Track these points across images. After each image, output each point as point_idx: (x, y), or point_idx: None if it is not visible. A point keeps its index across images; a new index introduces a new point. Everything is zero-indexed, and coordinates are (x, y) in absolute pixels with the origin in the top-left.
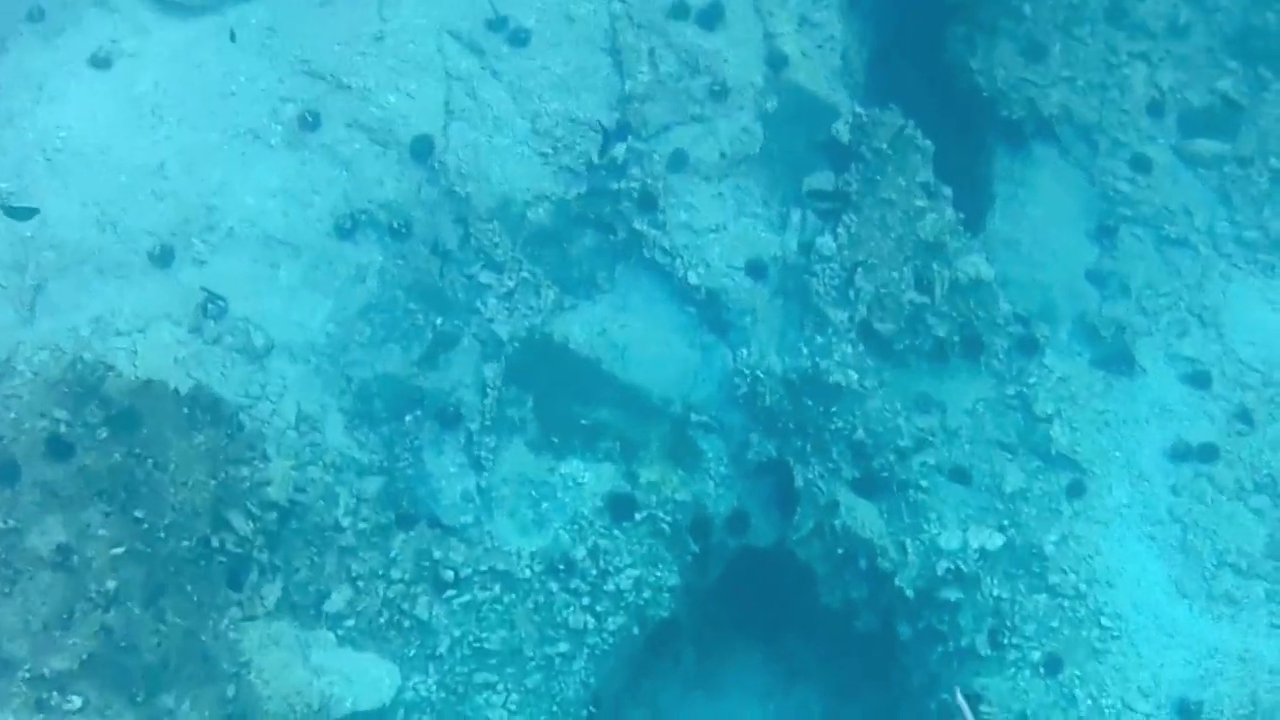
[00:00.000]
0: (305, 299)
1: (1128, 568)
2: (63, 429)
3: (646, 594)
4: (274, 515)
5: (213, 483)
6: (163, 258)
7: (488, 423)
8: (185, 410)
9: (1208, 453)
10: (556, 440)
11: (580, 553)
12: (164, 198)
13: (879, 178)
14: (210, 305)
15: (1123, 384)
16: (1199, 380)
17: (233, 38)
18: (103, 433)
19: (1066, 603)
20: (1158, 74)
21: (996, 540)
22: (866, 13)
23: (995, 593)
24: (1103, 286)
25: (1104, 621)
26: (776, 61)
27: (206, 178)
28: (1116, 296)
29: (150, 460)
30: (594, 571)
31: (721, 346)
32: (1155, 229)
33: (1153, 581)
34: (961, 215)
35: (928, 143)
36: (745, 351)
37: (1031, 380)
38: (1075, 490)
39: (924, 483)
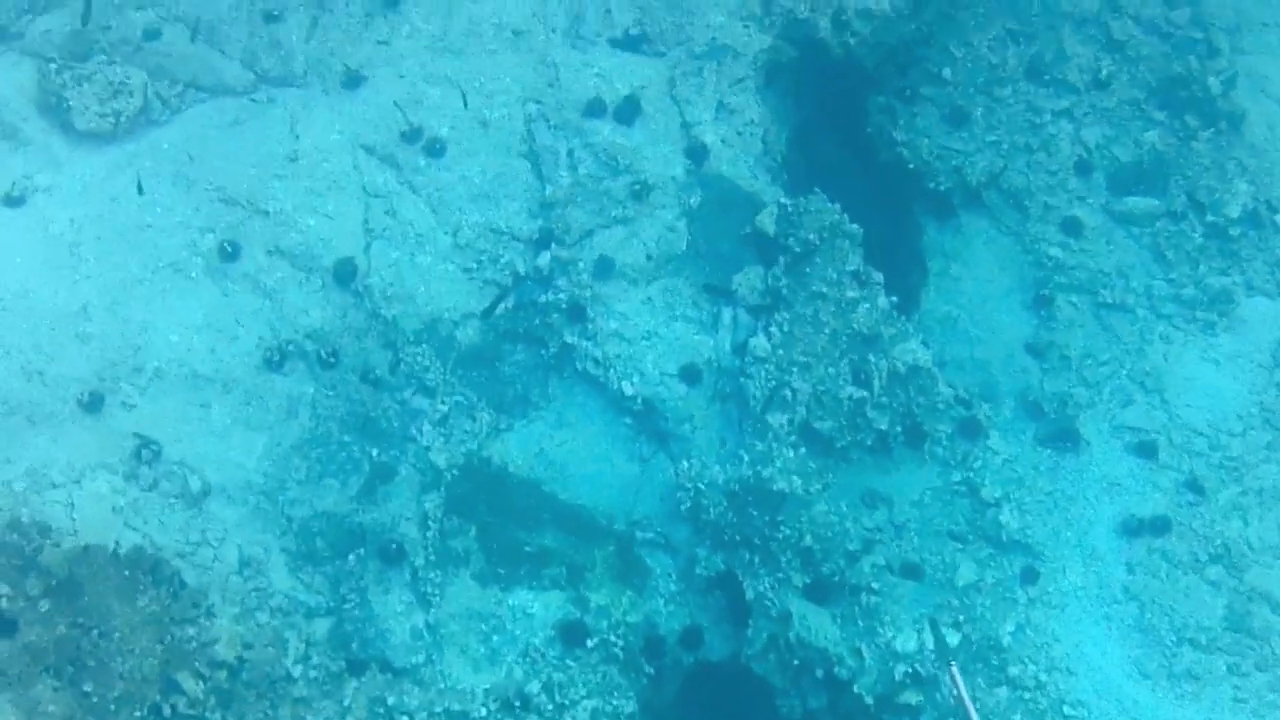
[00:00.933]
0: (239, 437)
1: (1087, 652)
2: (4, 603)
3: None
4: (224, 673)
5: (159, 647)
6: (92, 404)
7: (431, 557)
8: (126, 573)
9: (1159, 526)
10: (503, 571)
11: (534, 687)
12: (89, 341)
13: (808, 270)
14: (144, 450)
15: (1069, 460)
16: (1145, 451)
17: (140, 190)
18: (44, 605)
19: (1028, 694)
20: (1083, 130)
21: (953, 638)
22: (784, 90)
23: (955, 691)
24: (1042, 359)
25: (1066, 711)
26: (697, 153)
27: (130, 317)
28: (1057, 369)
29: (95, 630)
30: (550, 706)
31: (661, 456)
32: (1091, 294)
33: (1113, 664)
34: (894, 299)
35: (855, 227)
36: (686, 464)
37: (977, 464)
38: (1028, 576)
39: (875, 585)
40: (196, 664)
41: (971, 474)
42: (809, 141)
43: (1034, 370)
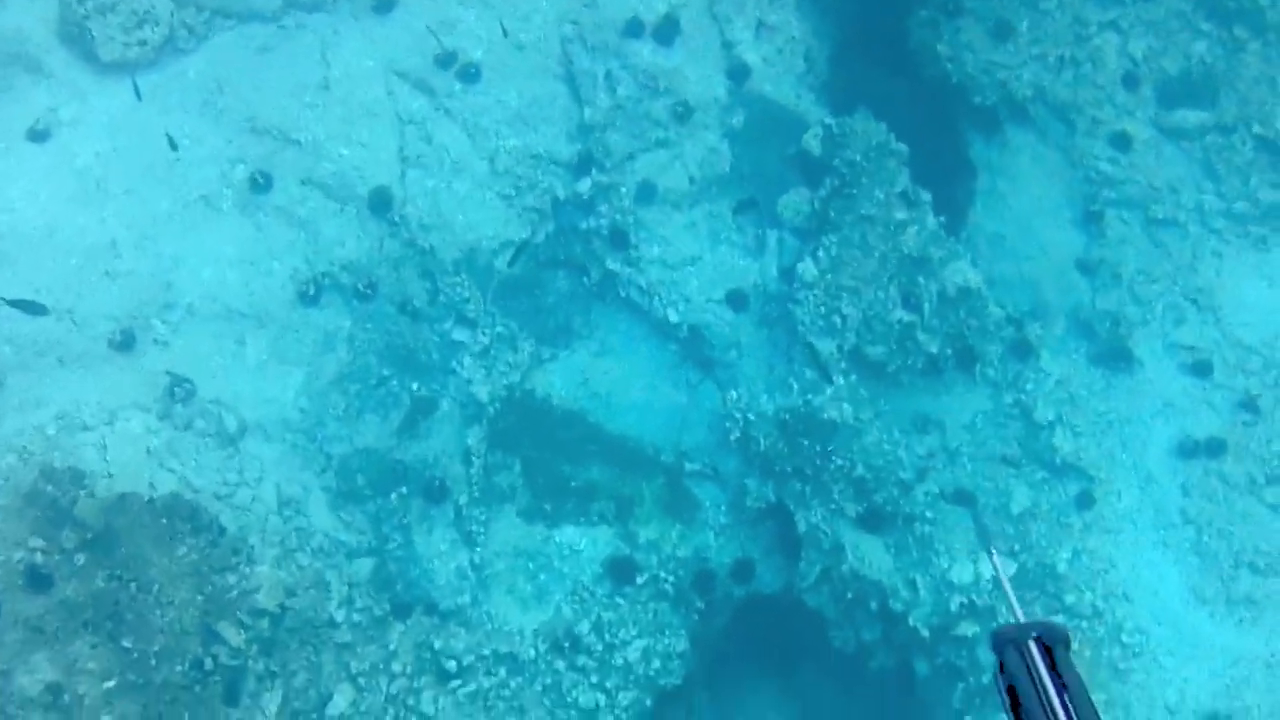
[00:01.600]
0: (274, 373)
1: (1143, 578)
2: (39, 559)
3: (656, 664)
4: (266, 621)
5: (200, 598)
6: (124, 343)
7: (476, 494)
8: (163, 521)
9: (1215, 447)
10: (549, 507)
11: (584, 627)
12: (118, 278)
13: (855, 192)
14: (177, 389)
15: (1122, 381)
16: (1200, 370)
17: (172, 145)
18: (80, 559)
19: (1085, 623)
20: (1130, 43)
21: (1009, 568)
22: (825, 6)
23: (1011, 621)
24: (1093, 277)
25: (1124, 639)
26: (738, 72)
27: (160, 252)
28: (1108, 286)
29: (133, 583)
30: (600, 646)
31: (708, 384)
32: (1142, 210)
33: (1170, 590)
34: (942, 219)
35: (902, 146)
36: (734, 393)
37: (1029, 386)
38: (1084, 501)
39: (929, 514)
40: (238, 613)
41: (1024, 396)
42: (851, 58)
43: (1085, 288)
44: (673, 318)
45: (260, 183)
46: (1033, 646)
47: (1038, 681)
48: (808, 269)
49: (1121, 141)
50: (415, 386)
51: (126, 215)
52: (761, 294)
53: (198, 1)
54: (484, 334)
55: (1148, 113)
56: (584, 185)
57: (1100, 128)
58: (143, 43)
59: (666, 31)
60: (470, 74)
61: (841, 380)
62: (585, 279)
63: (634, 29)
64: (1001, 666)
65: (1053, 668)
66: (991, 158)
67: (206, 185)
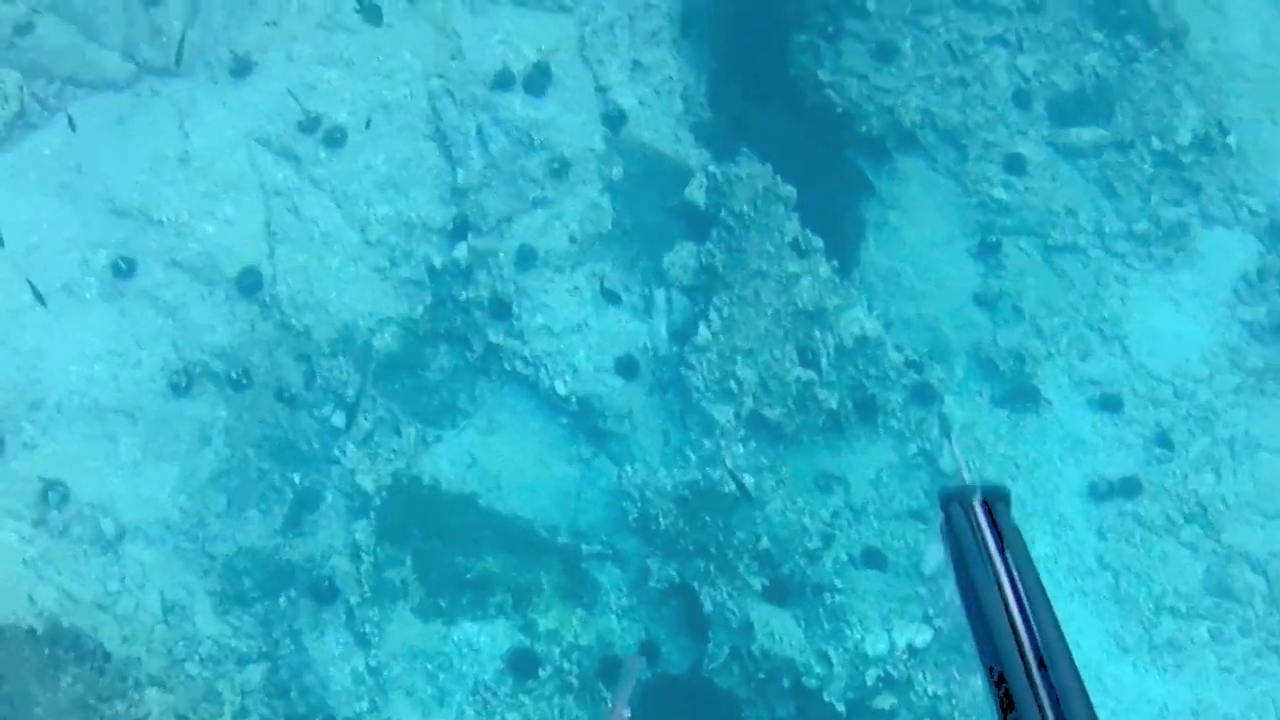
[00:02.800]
0: (150, 471)
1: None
2: None
3: None
4: None
5: None
6: None
7: (367, 593)
8: (45, 652)
9: (1129, 487)
10: (444, 603)
11: None
12: None
13: (744, 246)
14: (50, 493)
15: (1029, 421)
16: (1109, 404)
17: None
18: None
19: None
20: (1019, 58)
21: (925, 635)
22: (700, 37)
23: (930, 690)
24: (994, 311)
25: None
26: (614, 119)
27: (22, 348)
28: (1010, 321)
29: None
30: None
31: (602, 457)
32: (1040, 237)
33: (1090, 641)
34: (835, 263)
35: (789, 189)
36: (630, 469)
37: (934, 433)
38: None
39: (839, 582)
40: None
41: (928, 444)
42: (731, 91)
43: (985, 324)
44: (560, 390)
45: (123, 268)
46: (975, 503)
47: (978, 533)
48: (700, 333)
49: (1016, 164)
50: (297, 479)
51: None
52: (652, 358)
53: (48, 71)
54: (365, 418)
55: (1041, 132)
56: (460, 252)
57: (993, 150)
58: None
59: (538, 81)
60: (336, 138)
61: (740, 448)
62: (468, 353)
63: (504, 80)
64: (947, 521)
65: (993, 523)
66: (881, 188)
67: (68, 273)
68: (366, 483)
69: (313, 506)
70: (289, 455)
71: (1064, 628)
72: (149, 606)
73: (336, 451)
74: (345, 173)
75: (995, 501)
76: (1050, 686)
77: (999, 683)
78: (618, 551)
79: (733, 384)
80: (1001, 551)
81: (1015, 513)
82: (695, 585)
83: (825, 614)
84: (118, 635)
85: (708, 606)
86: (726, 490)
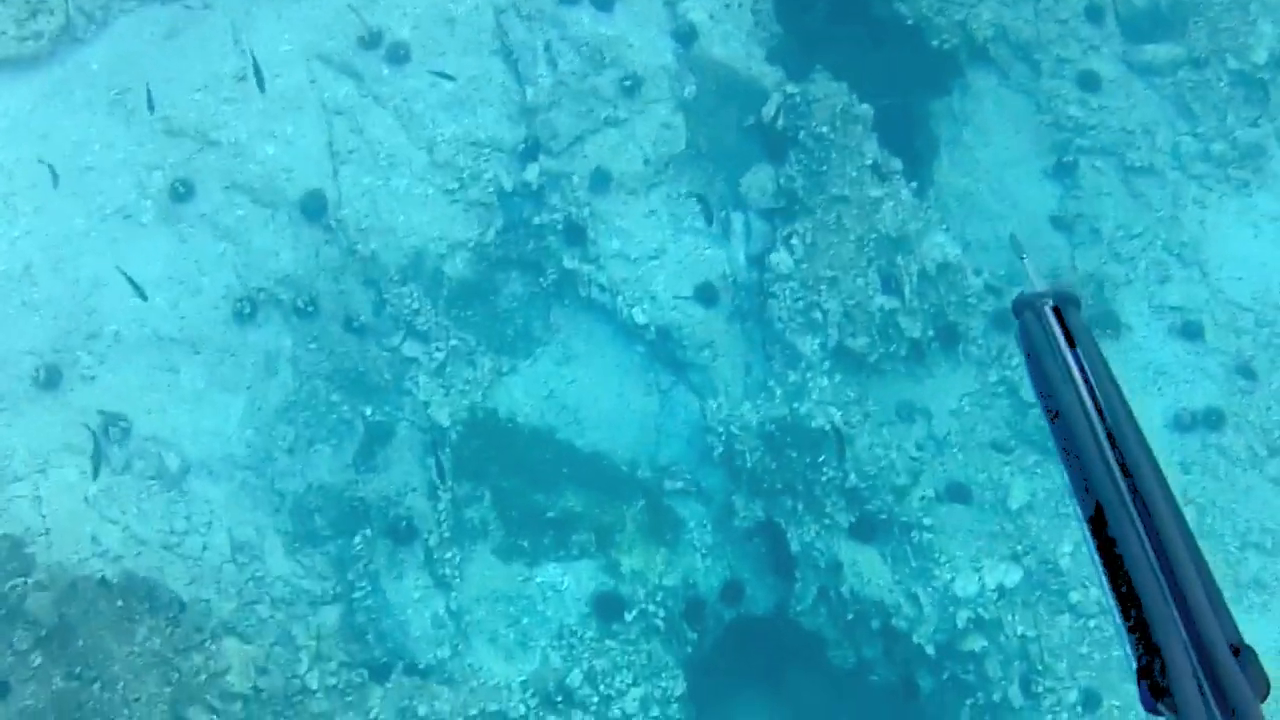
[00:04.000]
0: (214, 402)
1: None
2: None
3: (655, 711)
4: (239, 705)
5: (167, 689)
6: (49, 380)
7: (446, 534)
8: (119, 604)
9: (1213, 419)
10: (525, 543)
11: (576, 678)
12: (37, 308)
13: (824, 169)
14: (111, 428)
15: (1109, 348)
16: (1190, 332)
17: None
18: (36, 659)
19: (1091, 622)
20: None
21: (1014, 575)
22: None
23: (1020, 631)
24: (1071, 233)
25: None
26: (685, 35)
27: (79, 275)
28: (1087, 244)
29: (96, 682)
30: (595, 699)
31: (681, 387)
32: (1117, 157)
33: None
34: (914, 184)
35: (866, 108)
36: (714, 403)
37: (1014, 361)
38: None
39: (927, 520)
40: (208, 697)
41: (1009, 372)
42: (800, 5)
43: (1063, 246)
44: (639, 319)
45: (181, 191)
46: (1047, 308)
47: (1050, 335)
48: (782, 260)
49: (1090, 81)
50: (368, 411)
51: (39, 235)
52: (731, 284)
53: None
54: (438, 348)
55: (1115, 48)
56: (532, 173)
57: (1066, 67)
58: (38, 35)
59: None
60: (399, 54)
61: (826, 381)
62: (542, 279)
63: None
64: (1022, 328)
65: (1063, 325)
66: (954, 104)
67: (123, 197)
68: (441, 416)
69: (385, 440)
70: (359, 387)
71: (1137, 417)
72: (217, 546)
73: (409, 383)
74: (409, 90)
75: (1066, 304)
76: (1126, 473)
77: (1079, 479)
78: (701, 487)
79: (817, 314)
80: (1073, 349)
81: None
82: (782, 524)
83: (913, 552)
84: (185, 576)
85: (795, 546)
86: (814, 425)
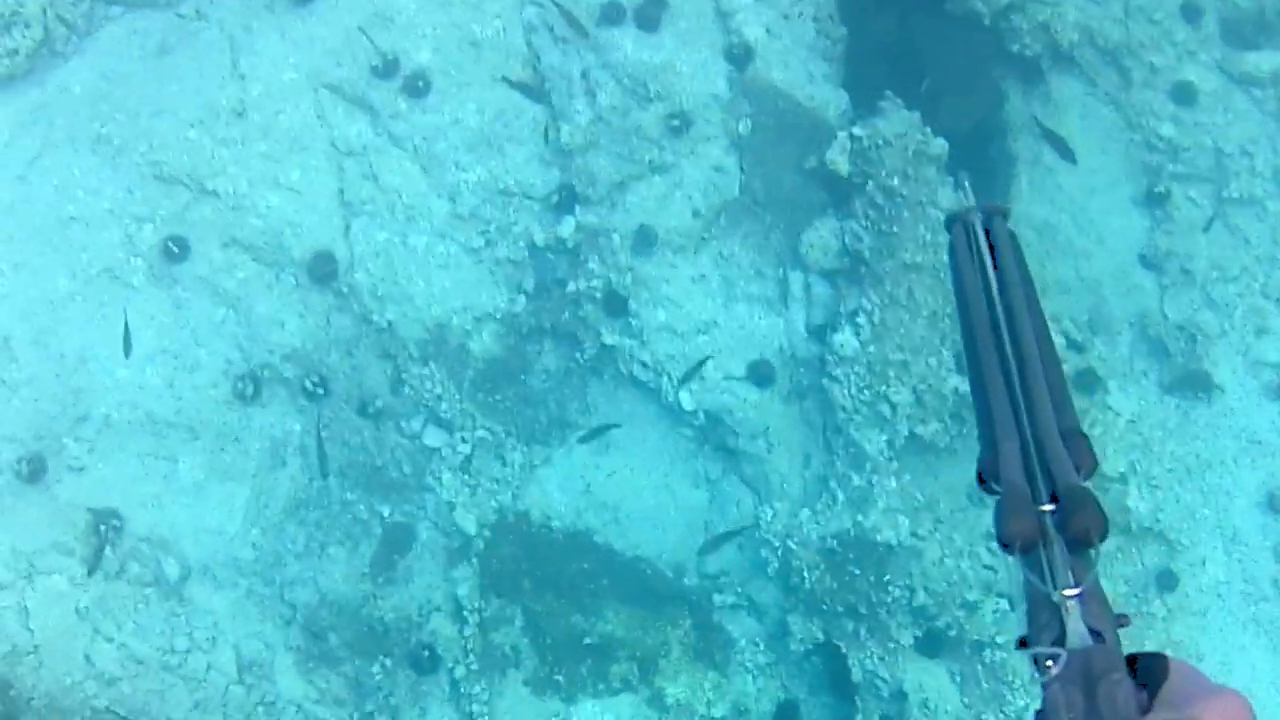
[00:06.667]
0: (215, 497)
1: (1235, 667)
2: None
3: None
4: None
5: None
6: (32, 472)
7: (473, 665)
8: None
9: None
10: (561, 676)
11: None
12: (17, 387)
13: (895, 229)
14: (103, 526)
15: (1200, 412)
16: None
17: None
18: None
19: None
20: None
21: None
22: None
23: None
24: (1160, 273)
25: None
26: (739, 55)
27: (64, 349)
28: (1178, 286)
29: None
30: None
31: (733, 477)
32: (1213, 186)
33: (1265, 679)
34: None
35: (940, 143)
36: (769, 512)
37: (1097, 430)
38: (1165, 581)
39: (1000, 638)
40: None
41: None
42: (862, 8)
43: (1151, 288)
44: (686, 404)
45: (174, 250)
46: (975, 220)
47: (973, 244)
48: (847, 341)
49: (1185, 94)
50: (386, 512)
51: (18, 299)
52: (788, 358)
53: None
54: (463, 440)
55: (1213, 54)
56: (567, 229)
57: (1159, 77)
58: (13, 53)
59: (651, 12)
60: (418, 86)
61: (894, 483)
62: (578, 354)
63: (612, 12)
64: (951, 245)
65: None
66: (1034, 116)
67: (110, 254)
68: (468, 522)
69: (405, 545)
70: (376, 482)
71: (1048, 329)
72: (223, 666)
73: (431, 479)
74: (429, 127)
75: (993, 215)
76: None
77: (970, 345)
78: (753, 602)
79: (885, 407)
80: (994, 262)
81: (1183, 526)
82: (843, 647)
83: (984, 673)
84: (188, 701)
85: (857, 675)
86: (880, 539)
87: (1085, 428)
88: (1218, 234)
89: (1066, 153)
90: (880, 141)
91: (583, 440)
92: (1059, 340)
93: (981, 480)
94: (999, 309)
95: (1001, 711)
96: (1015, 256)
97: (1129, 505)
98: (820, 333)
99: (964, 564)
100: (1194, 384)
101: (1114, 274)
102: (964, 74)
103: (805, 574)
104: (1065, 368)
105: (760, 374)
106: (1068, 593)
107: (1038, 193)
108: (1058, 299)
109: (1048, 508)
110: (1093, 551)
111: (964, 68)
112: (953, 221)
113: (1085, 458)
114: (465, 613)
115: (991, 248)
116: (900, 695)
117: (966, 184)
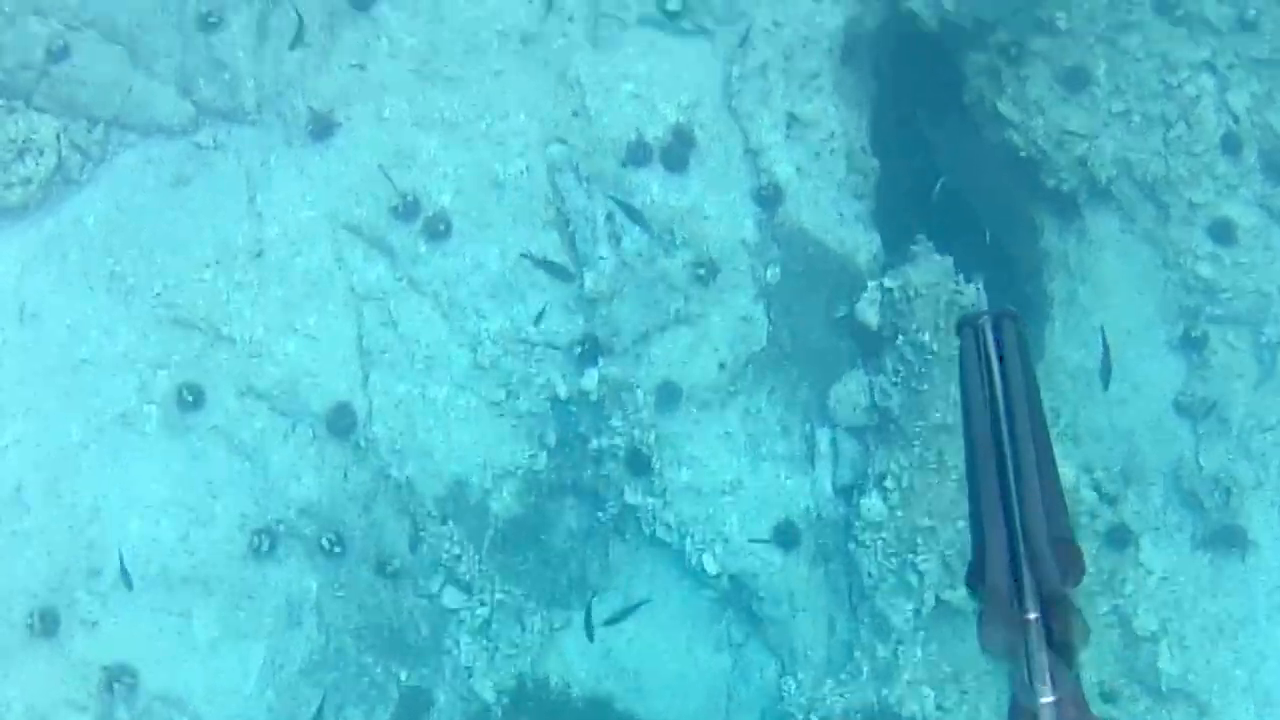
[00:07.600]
0: (230, 655)
1: None
2: None
3: None
4: None
5: None
6: (45, 626)
7: None
8: None
9: None
10: None
11: None
12: (30, 539)
13: (925, 387)
14: (116, 684)
15: (1234, 568)
16: None
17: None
18: None
19: None
20: (1228, 92)
21: None
22: (861, 65)
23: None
24: (1196, 421)
25: None
26: (768, 196)
27: (77, 500)
28: (1214, 435)
29: None
30: None
31: (755, 643)
32: (1252, 330)
33: None
34: None
35: (972, 289)
36: (792, 683)
37: (1128, 588)
38: None
39: None
40: None
41: (1121, 601)
42: (895, 136)
43: (1186, 438)
44: (710, 568)
45: (189, 400)
46: (985, 324)
47: (981, 349)
48: (874, 506)
49: (1224, 231)
50: (404, 676)
51: (29, 447)
52: (814, 519)
53: (89, 111)
54: (482, 603)
55: (1254, 189)
56: (590, 382)
57: (1198, 212)
58: (26, 181)
59: (678, 152)
60: (438, 228)
61: (919, 653)
62: (600, 513)
63: (638, 154)
64: (961, 350)
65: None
66: (1069, 254)
67: (124, 401)
68: (485, 689)
69: (422, 711)
70: (394, 645)
71: (1048, 436)
72: None
73: (449, 641)
74: (450, 272)
75: (1003, 320)
76: (1021, 502)
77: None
78: None
79: (912, 576)
80: (1001, 364)
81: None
82: None
83: None
84: None
85: None
86: (905, 715)
87: (1116, 586)
88: (1254, 378)
89: (1106, 374)
90: (911, 293)
91: (609, 623)
92: (1090, 493)
93: (970, 585)
94: (1001, 413)
95: None
96: (1022, 362)
97: (1160, 665)
98: (847, 492)
99: None
100: (1227, 539)
101: (1148, 422)
102: (999, 208)
103: None
104: (1097, 523)
105: (786, 535)
106: (1043, 700)
107: (1072, 334)
108: (1091, 447)
109: (1032, 615)
110: (1076, 659)
111: (999, 201)
112: (963, 325)
113: (1073, 565)
114: None
115: (1000, 355)
116: None
117: (979, 286)
